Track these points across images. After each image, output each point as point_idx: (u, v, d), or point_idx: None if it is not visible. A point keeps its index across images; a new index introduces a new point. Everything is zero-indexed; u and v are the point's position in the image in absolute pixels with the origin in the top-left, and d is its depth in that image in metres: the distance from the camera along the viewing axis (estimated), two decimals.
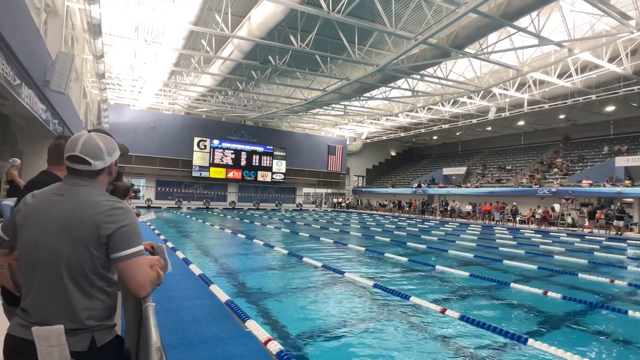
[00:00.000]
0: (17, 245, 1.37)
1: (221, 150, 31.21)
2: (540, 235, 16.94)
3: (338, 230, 16.22)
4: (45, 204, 1.35)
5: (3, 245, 1.49)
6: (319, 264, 7.85)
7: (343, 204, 37.70)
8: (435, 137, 40.26)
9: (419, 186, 32.77)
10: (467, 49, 13.79)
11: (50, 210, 1.33)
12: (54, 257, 1.28)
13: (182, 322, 3.63)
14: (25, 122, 9.38)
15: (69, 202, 1.34)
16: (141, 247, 1.37)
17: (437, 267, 8.14)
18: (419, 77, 17.50)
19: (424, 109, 25.81)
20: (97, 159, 1.40)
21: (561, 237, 16.50)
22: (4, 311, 1.79)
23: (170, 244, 9.19)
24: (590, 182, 21.86)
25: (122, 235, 1.32)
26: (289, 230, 15.16)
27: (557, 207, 22.26)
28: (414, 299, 5.42)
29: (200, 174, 30.44)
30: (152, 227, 12.91)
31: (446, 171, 33.36)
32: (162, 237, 10.69)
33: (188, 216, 20.81)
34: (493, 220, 24.00)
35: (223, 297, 4.77)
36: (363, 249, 10.61)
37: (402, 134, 35.20)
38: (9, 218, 1.47)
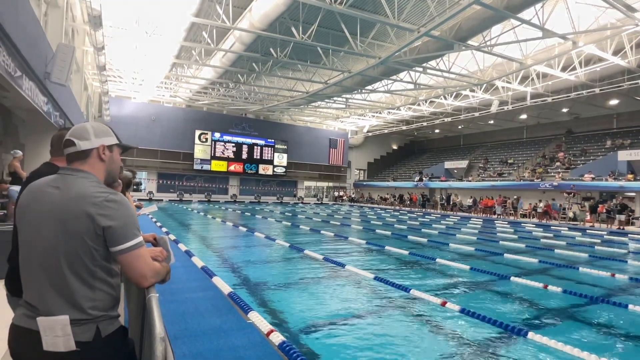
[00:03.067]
0: (19, 238, 1.36)
1: (222, 143, 31.20)
2: (541, 229, 16.95)
3: (339, 223, 16.26)
4: (41, 197, 1.34)
5: None
6: (320, 257, 7.88)
7: (345, 197, 37.72)
8: (437, 131, 40.12)
9: (420, 180, 32.75)
10: (470, 42, 13.66)
11: (46, 203, 1.32)
12: (52, 250, 1.28)
13: (184, 314, 3.66)
14: (27, 114, 9.36)
15: (63, 194, 1.32)
16: (139, 239, 1.36)
17: (438, 260, 8.16)
18: (421, 69, 17.37)
19: (426, 102, 25.68)
20: (82, 139, 1.40)
21: (562, 231, 16.50)
22: (8, 302, 1.80)
23: (172, 236, 9.23)
24: (592, 176, 21.80)
25: (118, 228, 1.31)
26: (290, 223, 15.20)
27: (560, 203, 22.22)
28: (414, 292, 5.44)
29: (202, 167, 30.47)
30: (154, 219, 12.96)
31: (448, 165, 33.29)
32: (164, 229, 10.74)
33: (189, 208, 20.87)
34: (494, 214, 24.00)
35: (225, 289, 4.81)
36: (364, 242, 10.65)
37: (404, 127, 35.08)
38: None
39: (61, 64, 7.42)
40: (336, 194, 38.73)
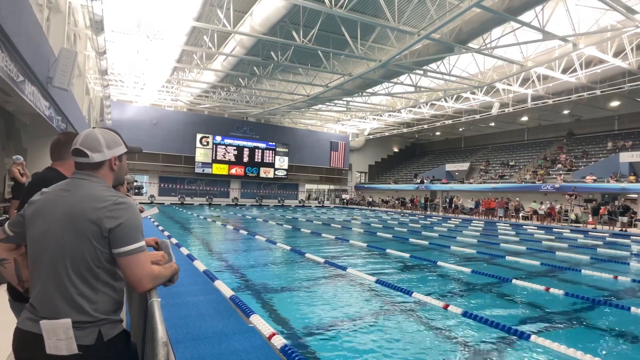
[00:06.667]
0: (27, 240, 1.39)
1: (224, 147, 31.25)
2: (543, 232, 16.90)
3: (340, 226, 16.24)
4: (53, 200, 1.37)
5: (9, 241, 1.51)
6: (322, 260, 7.87)
7: (345, 200, 37.67)
8: (438, 133, 40.11)
9: (421, 182, 32.73)
10: (470, 44, 13.69)
11: (57, 205, 1.36)
12: (59, 251, 1.30)
13: (186, 318, 3.66)
14: (29, 118, 9.41)
15: (74, 196, 1.36)
16: (142, 244, 1.38)
17: (440, 263, 8.14)
18: (422, 72, 17.41)
19: (426, 104, 25.70)
20: (95, 151, 1.43)
21: (564, 233, 16.45)
22: (10, 307, 1.80)
23: (174, 240, 9.24)
24: (594, 178, 21.74)
25: (123, 230, 1.33)
26: (291, 227, 15.20)
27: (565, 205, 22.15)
28: (416, 295, 5.43)
29: (203, 170, 30.51)
30: (155, 223, 12.97)
31: (449, 167, 33.27)
32: (166, 233, 10.75)
33: (189, 212, 20.87)
34: (496, 216, 23.94)
35: (227, 292, 4.81)
36: (365, 245, 10.63)
37: (405, 130, 35.08)
38: (17, 214, 1.50)
39: (63, 69, 7.46)
40: (344, 196, 38.49)
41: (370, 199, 35.83)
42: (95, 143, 1.43)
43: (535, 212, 22.34)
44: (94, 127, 1.55)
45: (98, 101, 24.92)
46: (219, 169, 31.12)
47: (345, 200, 37.65)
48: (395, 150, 46.02)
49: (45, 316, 1.27)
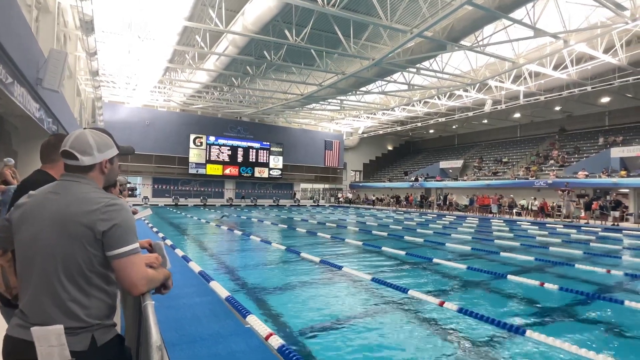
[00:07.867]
0: (15, 245, 1.36)
1: (217, 147, 31.11)
2: (536, 227, 17.05)
3: (335, 225, 16.25)
4: (41, 203, 1.34)
5: None
6: (317, 259, 7.87)
7: (341, 199, 37.70)
8: (431, 131, 40.29)
9: (416, 180, 32.86)
10: (462, 42, 13.75)
11: (46, 208, 1.32)
12: (50, 255, 1.27)
13: (182, 320, 3.63)
14: (19, 121, 9.26)
15: (64, 199, 1.33)
16: (136, 245, 1.36)
17: (435, 260, 8.17)
18: (415, 70, 17.45)
19: (420, 102, 25.79)
20: (85, 154, 1.39)
21: (557, 229, 16.61)
22: (0, 312, 1.77)
23: (168, 242, 9.17)
24: (586, 173, 21.98)
25: (116, 232, 1.31)
26: (286, 226, 15.17)
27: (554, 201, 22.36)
28: (412, 292, 5.44)
29: (197, 171, 30.36)
30: (150, 224, 12.87)
31: (443, 164, 33.42)
32: (160, 234, 10.67)
33: (183, 213, 20.75)
34: (490, 212, 24.11)
35: (223, 293, 4.78)
36: (360, 243, 10.64)
37: (399, 128, 35.19)
38: (3, 218, 1.46)
39: (53, 70, 7.35)
40: (337, 195, 38.46)
41: (374, 197, 35.79)
42: (86, 146, 1.40)
43: (523, 207, 22.58)
44: (84, 128, 1.49)
45: (89, 102, 24.64)
46: (213, 170, 30.98)
47: (346, 199, 37.56)
48: (390, 148, 46.14)
49: (36, 322, 1.24)
